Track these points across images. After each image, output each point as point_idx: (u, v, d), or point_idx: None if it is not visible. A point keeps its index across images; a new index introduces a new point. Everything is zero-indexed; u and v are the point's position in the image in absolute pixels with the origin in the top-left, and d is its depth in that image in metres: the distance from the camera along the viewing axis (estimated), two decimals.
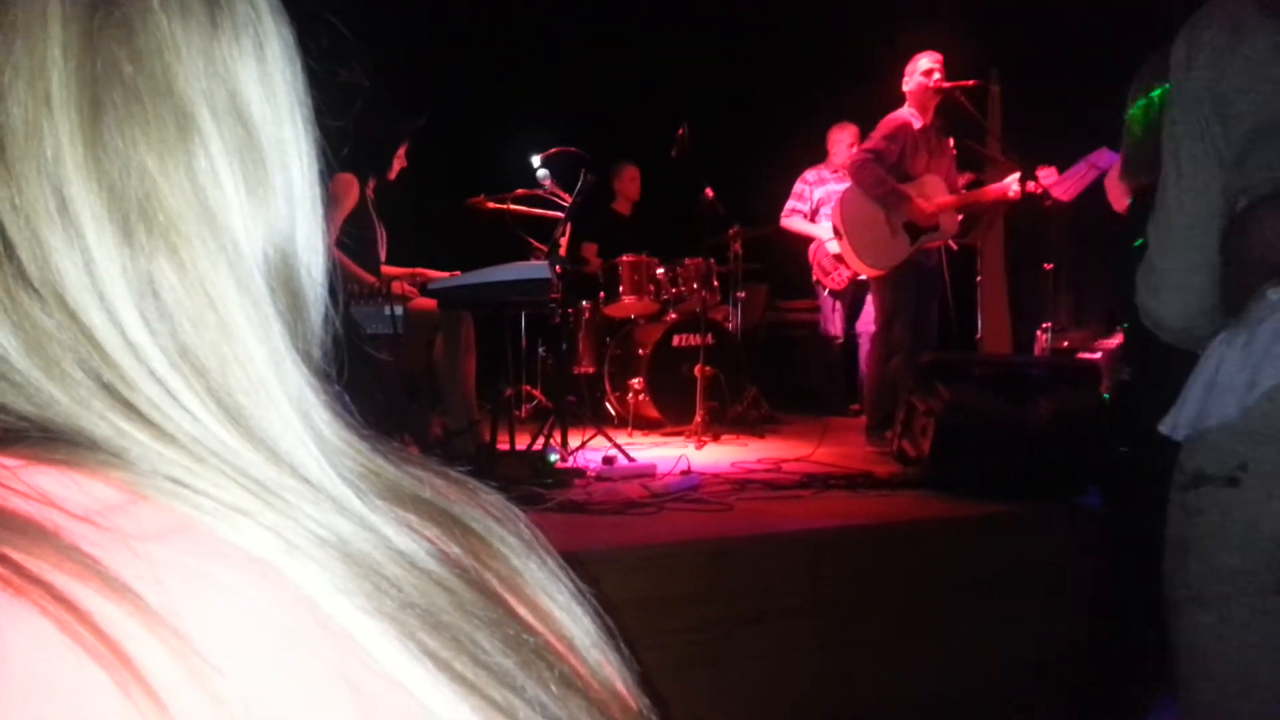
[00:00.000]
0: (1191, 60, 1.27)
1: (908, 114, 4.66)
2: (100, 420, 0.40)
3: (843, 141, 5.78)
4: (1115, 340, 5.55)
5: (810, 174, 5.97)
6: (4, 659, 0.32)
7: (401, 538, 0.44)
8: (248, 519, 0.40)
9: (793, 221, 5.87)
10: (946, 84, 4.58)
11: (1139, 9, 1.26)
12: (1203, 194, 1.25)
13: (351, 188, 4.15)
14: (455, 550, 0.46)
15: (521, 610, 0.47)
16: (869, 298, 5.22)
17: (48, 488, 0.37)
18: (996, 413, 3.32)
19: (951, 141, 4.82)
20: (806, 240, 5.79)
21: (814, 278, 5.82)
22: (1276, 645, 1.10)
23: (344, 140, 0.60)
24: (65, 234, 0.40)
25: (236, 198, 0.45)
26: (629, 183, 6.25)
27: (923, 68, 4.60)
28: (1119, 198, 3.27)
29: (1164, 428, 1.23)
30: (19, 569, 0.34)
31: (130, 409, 0.40)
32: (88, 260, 0.40)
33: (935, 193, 4.66)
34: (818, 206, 5.81)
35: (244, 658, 0.37)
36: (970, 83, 4.60)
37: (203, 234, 0.43)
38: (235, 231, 0.45)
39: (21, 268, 0.40)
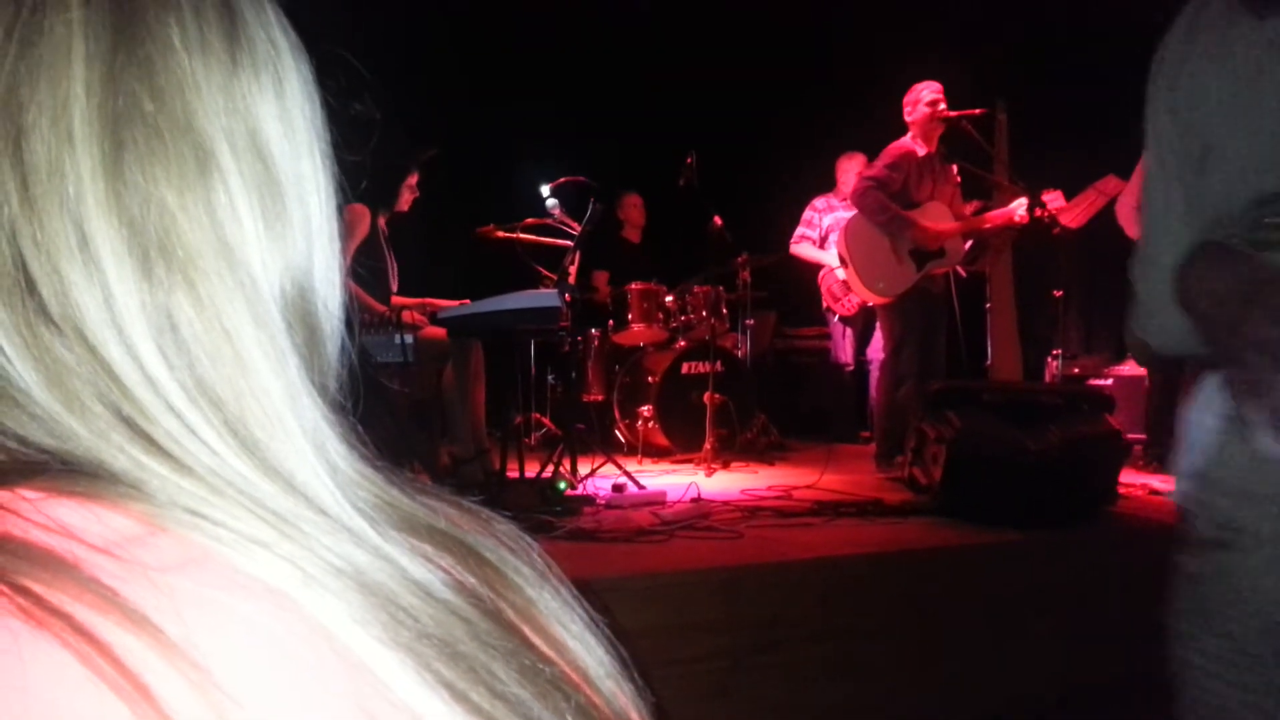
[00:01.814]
0: (1153, 71, 1.19)
1: (911, 142, 4.68)
2: (119, 453, 0.40)
3: (851, 170, 5.81)
4: (1126, 367, 5.54)
5: (819, 201, 6.00)
6: (26, 691, 0.33)
7: (417, 568, 0.44)
8: (265, 550, 0.40)
9: (802, 248, 5.89)
10: (952, 113, 4.60)
11: (1147, 35, 1.24)
12: (1160, 225, 1.17)
13: (364, 218, 4.18)
14: (470, 580, 0.46)
15: (536, 640, 0.47)
16: (879, 324, 5.22)
17: (68, 520, 0.38)
18: (1007, 440, 3.31)
19: (956, 169, 4.84)
20: (815, 267, 5.81)
21: (824, 304, 5.82)
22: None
23: (360, 173, 0.61)
24: (86, 269, 0.41)
25: (255, 233, 0.46)
26: (632, 210, 6.28)
27: (926, 98, 4.62)
28: (1132, 222, 3.26)
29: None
30: (40, 601, 0.34)
31: (149, 441, 0.41)
32: (108, 295, 0.41)
33: (939, 220, 4.67)
34: (826, 234, 5.83)
35: (262, 689, 0.37)
36: (977, 111, 4.62)
37: (220, 269, 0.44)
38: (253, 266, 0.45)
39: (43, 303, 0.41)
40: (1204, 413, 1.09)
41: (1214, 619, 1.06)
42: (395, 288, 4.56)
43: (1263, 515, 1.01)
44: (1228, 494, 1.05)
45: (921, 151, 4.66)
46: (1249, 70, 1.07)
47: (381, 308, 4.21)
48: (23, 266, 0.41)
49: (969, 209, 4.87)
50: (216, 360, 0.43)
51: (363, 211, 4.17)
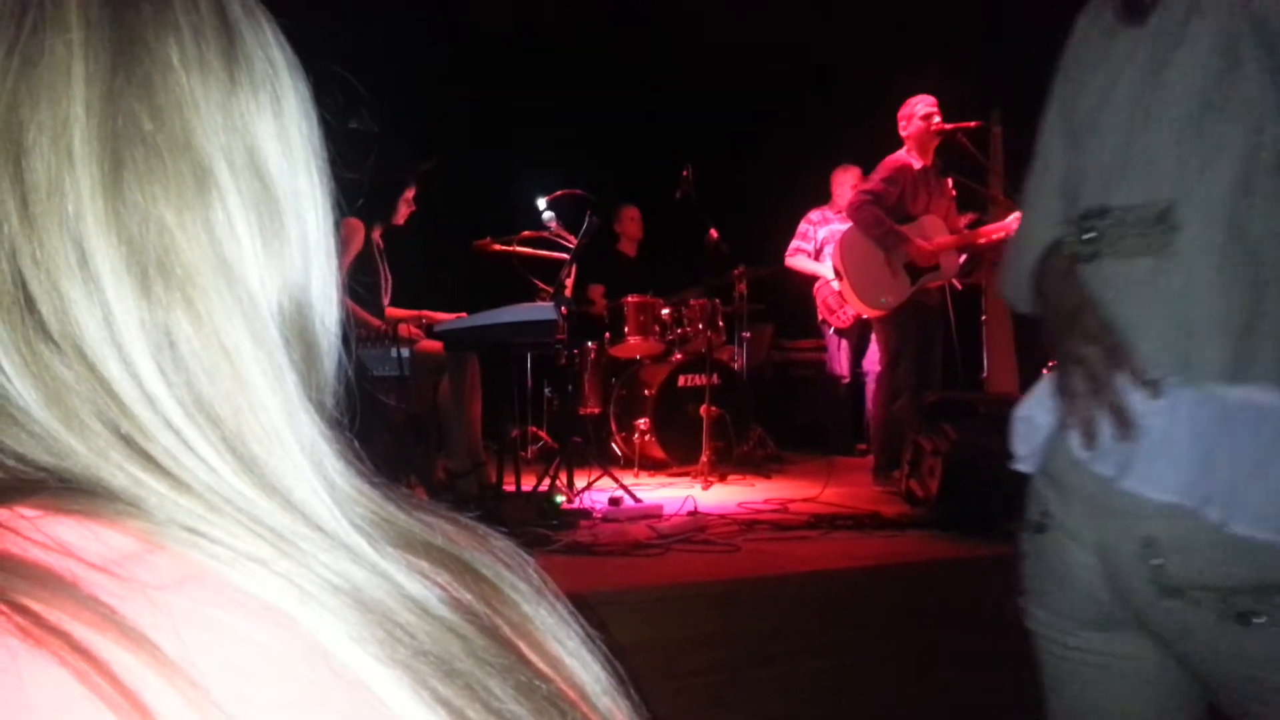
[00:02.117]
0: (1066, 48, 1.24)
1: (906, 156, 4.70)
2: (118, 470, 0.40)
3: (846, 183, 5.83)
4: None
5: (814, 214, 6.02)
6: (24, 709, 0.33)
7: (414, 585, 0.44)
8: (262, 567, 0.40)
9: (797, 261, 5.90)
10: (948, 126, 4.62)
11: None
12: (1038, 201, 1.24)
13: (357, 232, 4.19)
14: (467, 597, 0.46)
15: (533, 657, 0.47)
16: (874, 336, 5.23)
17: (66, 538, 0.38)
18: (1004, 452, 3.30)
19: (951, 182, 4.85)
20: (811, 279, 5.82)
21: (819, 317, 5.83)
22: (1096, 680, 1.14)
23: (357, 189, 0.61)
24: (85, 287, 0.41)
25: (252, 250, 0.46)
26: (629, 223, 6.29)
27: (920, 112, 4.64)
28: None
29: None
30: (38, 619, 0.34)
31: (147, 459, 0.41)
32: (107, 313, 0.41)
33: (934, 233, 4.68)
34: (821, 246, 5.84)
35: (259, 707, 0.37)
36: (972, 124, 4.64)
37: (219, 286, 0.44)
38: (251, 283, 0.46)
39: (42, 321, 0.41)
40: (1038, 409, 1.19)
41: (1039, 594, 1.18)
42: (388, 301, 4.56)
43: (1069, 510, 1.10)
44: (1050, 485, 1.14)
45: (917, 165, 4.68)
46: (1108, 80, 1.12)
47: (377, 322, 4.21)
48: (22, 284, 0.41)
49: (964, 222, 4.88)
50: (215, 377, 0.43)
51: (357, 226, 4.18)
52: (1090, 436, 1.06)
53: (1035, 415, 1.20)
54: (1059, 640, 1.16)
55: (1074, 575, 1.10)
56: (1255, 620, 0.94)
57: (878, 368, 4.96)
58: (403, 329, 4.17)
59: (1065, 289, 1.14)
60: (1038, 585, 1.18)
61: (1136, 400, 1.03)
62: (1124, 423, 1.03)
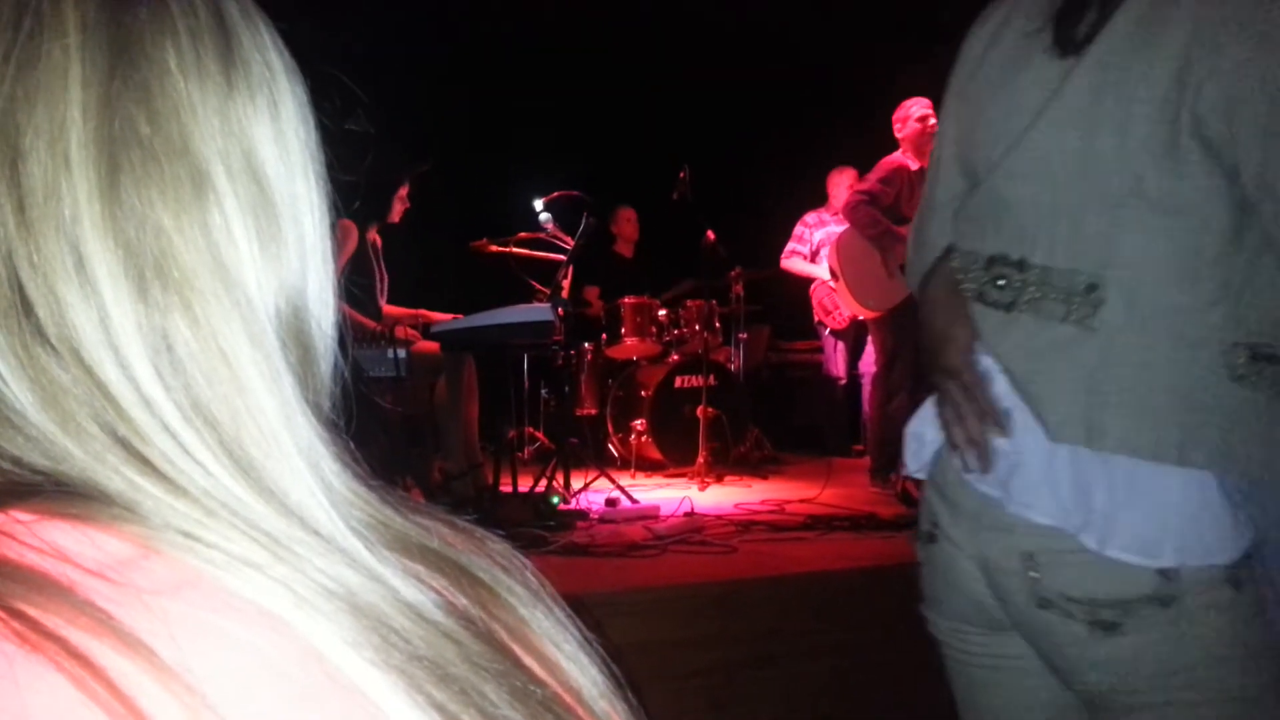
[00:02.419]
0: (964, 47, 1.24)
1: (902, 158, 4.70)
2: (114, 474, 0.40)
3: (842, 184, 5.82)
4: None
5: (810, 216, 6.02)
6: (21, 715, 0.33)
7: (409, 589, 0.44)
8: (257, 572, 0.40)
9: (793, 263, 5.90)
10: None
11: None
12: (935, 206, 1.25)
13: (351, 234, 4.18)
14: (463, 601, 0.46)
15: (529, 661, 0.47)
16: (870, 338, 5.23)
17: (62, 543, 0.38)
18: None
19: None
20: (807, 281, 5.82)
21: (815, 318, 5.83)
22: (990, 680, 1.21)
23: (354, 192, 0.61)
24: (82, 291, 0.41)
25: (250, 254, 0.46)
26: (626, 224, 6.29)
27: (916, 114, 4.65)
28: None
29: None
30: (35, 625, 0.34)
31: (144, 463, 0.41)
32: (104, 316, 0.41)
33: None
34: (818, 248, 5.84)
35: (255, 712, 0.37)
36: None
37: (216, 290, 0.44)
38: (248, 287, 0.46)
39: (39, 324, 0.41)
40: (927, 426, 1.23)
41: (934, 600, 1.23)
42: (385, 300, 4.55)
43: (955, 522, 1.15)
44: (939, 498, 1.18)
45: (913, 166, 4.68)
46: (1021, 116, 1.09)
47: (373, 325, 4.20)
48: (19, 288, 0.41)
49: None
50: (213, 380, 0.43)
51: (350, 227, 4.17)
52: (965, 461, 1.11)
53: (924, 432, 1.24)
54: (955, 644, 1.23)
55: (962, 583, 1.15)
56: (1119, 630, 1.01)
57: (874, 369, 4.96)
58: (399, 330, 4.17)
59: (939, 314, 1.18)
60: (932, 593, 1.23)
61: (1018, 436, 1.07)
62: (982, 457, 1.09)
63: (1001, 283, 1.09)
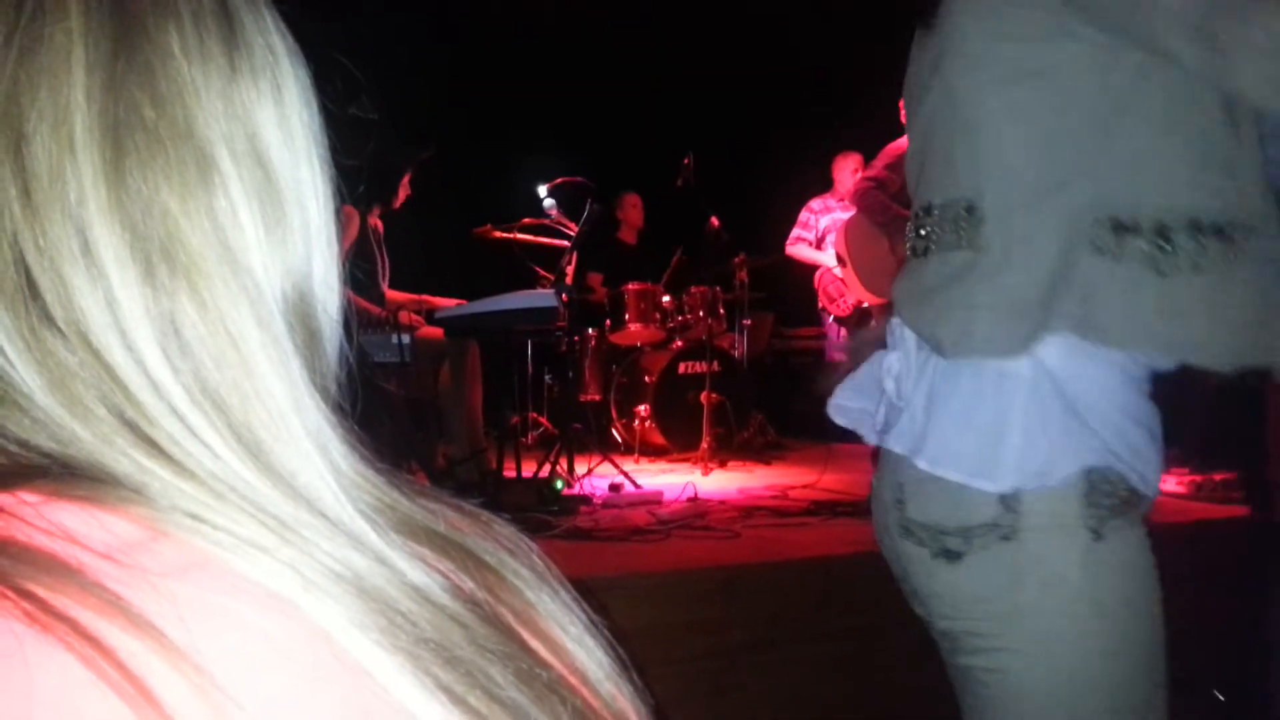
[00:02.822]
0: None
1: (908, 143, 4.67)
2: (122, 456, 0.40)
3: (847, 170, 5.81)
4: None
5: (816, 203, 6.00)
6: (30, 694, 0.33)
7: (416, 572, 0.44)
8: (265, 554, 0.40)
9: (798, 249, 5.89)
10: None
11: None
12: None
13: (352, 220, 4.17)
14: (469, 584, 0.46)
15: (535, 643, 0.47)
16: (873, 325, 5.22)
17: (70, 524, 0.38)
18: None
19: None
20: (812, 268, 5.81)
21: (820, 305, 5.82)
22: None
23: (357, 176, 0.61)
24: (89, 274, 0.41)
25: (256, 237, 0.46)
26: (631, 210, 6.28)
27: None
28: None
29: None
30: (44, 605, 0.35)
31: (151, 445, 0.41)
32: (111, 300, 0.41)
33: None
34: (823, 235, 5.83)
35: (262, 693, 0.37)
36: None
37: (223, 273, 0.44)
38: (255, 270, 0.46)
39: (46, 308, 0.41)
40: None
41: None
42: (386, 285, 4.55)
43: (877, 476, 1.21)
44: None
45: None
46: (915, 82, 1.20)
47: (378, 310, 4.20)
48: (25, 271, 0.41)
49: None
50: (221, 363, 0.43)
51: (351, 213, 4.16)
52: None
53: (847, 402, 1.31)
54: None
55: (881, 517, 1.20)
56: (961, 560, 1.04)
57: None
58: (403, 316, 4.17)
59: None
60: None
61: (902, 380, 1.12)
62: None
63: (923, 231, 1.14)
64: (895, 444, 1.11)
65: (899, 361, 1.14)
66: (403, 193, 4.55)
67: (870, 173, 4.72)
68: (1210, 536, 3.04)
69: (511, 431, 4.32)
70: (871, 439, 1.21)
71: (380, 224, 4.51)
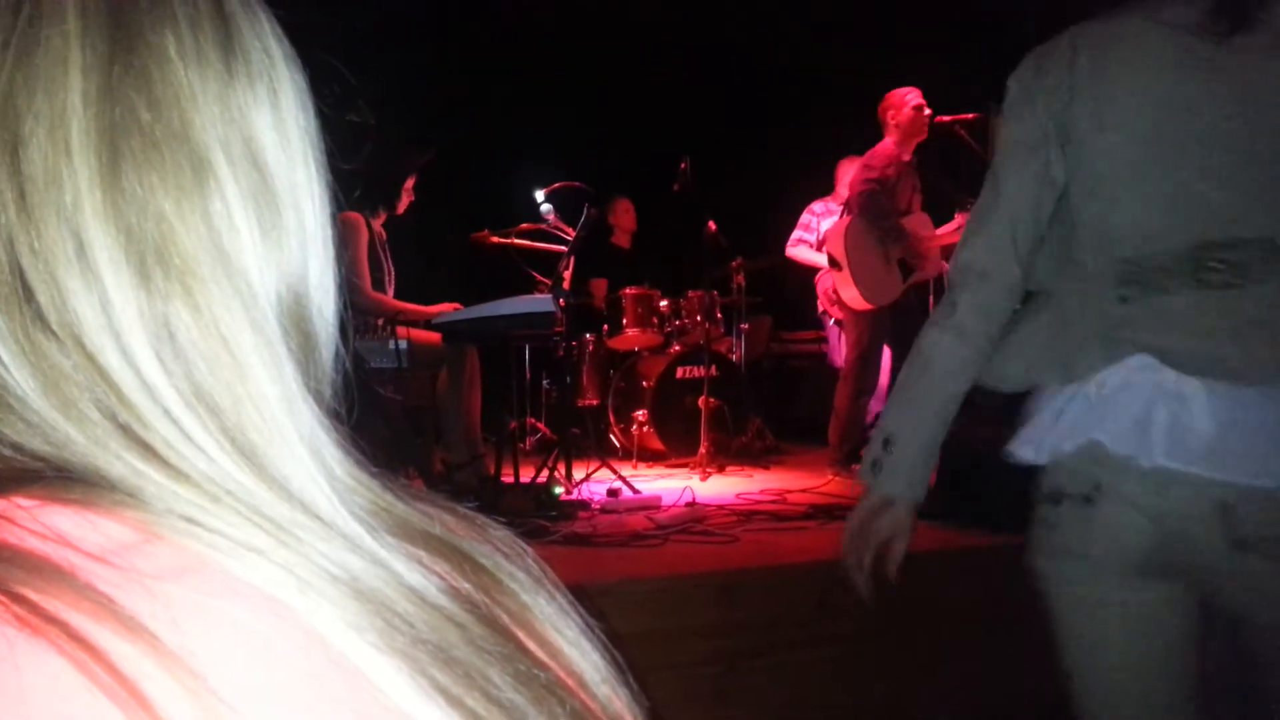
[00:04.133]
0: (1033, 82, 1.38)
1: (896, 148, 4.66)
2: (116, 460, 0.40)
3: (850, 173, 5.80)
4: None
5: (817, 205, 5.98)
6: (22, 698, 0.33)
7: (412, 574, 0.44)
8: (260, 557, 0.40)
9: (799, 251, 5.87)
10: (946, 118, 4.59)
11: None
12: (1003, 244, 1.50)
13: (359, 227, 4.17)
14: (465, 586, 0.46)
15: (532, 645, 0.47)
16: (844, 329, 5.18)
17: (63, 527, 0.38)
18: (1001, 443, 3.31)
19: (919, 178, 4.83)
20: (812, 271, 5.80)
21: (820, 308, 5.81)
22: (1121, 622, 1.32)
23: (354, 181, 0.61)
24: (83, 277, 0.41)
25: (251, 241, 0.46)
26: (623, 215, 6.26)
27: (913, 102, 4.59)
28: None
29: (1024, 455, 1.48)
30: (36, 608, 0.34)
31: (146, 448, 0.41)
32: (105, 303, 0.41)
33: (923, 228, 4.67)
34: (824, 237, 5.82)
35: (257, 696, 0.37)
36: (970, 115, 4.61)
37: (218, 276, 0.44)
38: (250, 274, 0.46)
39: (40, 310, 0.41)
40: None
41: (1078, 556, 1.34)
42: (391, 294, 4.55)
43: (1126, 482, 1.27)
44: (1098, 465, 1.30)
45: (905, 157, 4.66)
46: (1179, 106, 1.23)
47: (425, 309, 4.19)
48: (20, 274, 0.41)
49: (956, 224, 4.83)
50: (214, 367, 0.43)
51: (357, 220, 4.16)
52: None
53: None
54: (1092, 593, 1.34)
55: (1122, 536, 1.28)
56: None
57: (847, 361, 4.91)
58: (401, 331, 4.15)
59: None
60: (1078, 548, 1.33)
61: (1216, 399, 1.21)
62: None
63: (1215, 264, 1.22)
64: (1228, 473, 1.19)
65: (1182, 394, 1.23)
66: (406, 197, 4.54)
67: (872, 176, 4.65)
68: None
69: (509, 437, 4.32)
70: (1147, 463, 1.25)
71: (384, 233, 4.51)
